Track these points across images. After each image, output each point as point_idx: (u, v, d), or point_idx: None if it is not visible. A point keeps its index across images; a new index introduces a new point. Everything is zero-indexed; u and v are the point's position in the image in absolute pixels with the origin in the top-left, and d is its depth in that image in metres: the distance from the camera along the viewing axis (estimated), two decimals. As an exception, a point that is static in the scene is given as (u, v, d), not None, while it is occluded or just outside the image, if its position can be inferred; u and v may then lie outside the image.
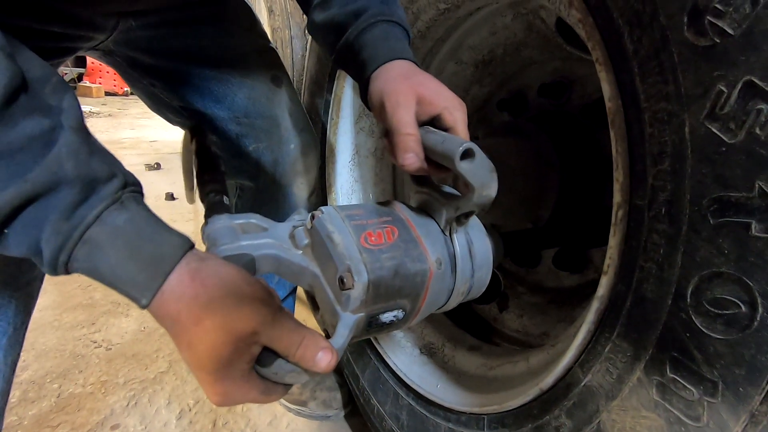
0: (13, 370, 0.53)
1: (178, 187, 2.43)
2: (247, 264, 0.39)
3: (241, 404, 0.35)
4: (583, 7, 0.44)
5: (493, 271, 0.94)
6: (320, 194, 1.07)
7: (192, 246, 0.36)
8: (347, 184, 1.07)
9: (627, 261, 0.41)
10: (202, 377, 0.34)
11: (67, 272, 0.33)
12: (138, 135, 4.05)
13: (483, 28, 0.91)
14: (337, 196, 1.06)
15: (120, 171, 0.35)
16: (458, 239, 0.46)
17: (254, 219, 0.43)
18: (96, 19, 0.58)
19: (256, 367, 0.36)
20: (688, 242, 0.35)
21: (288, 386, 0.38)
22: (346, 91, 0.97)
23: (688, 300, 0.36)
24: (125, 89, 6.72)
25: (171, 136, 4.15)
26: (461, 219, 0.45)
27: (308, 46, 1.12)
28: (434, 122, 0.47)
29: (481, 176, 0.41)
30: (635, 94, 0.39)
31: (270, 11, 1.42)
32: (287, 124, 0.80)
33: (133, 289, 0.33)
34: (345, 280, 0.38)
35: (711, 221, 0.34)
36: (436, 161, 0.44)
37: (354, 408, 1.02)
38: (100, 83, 6.33)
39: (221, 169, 0.52)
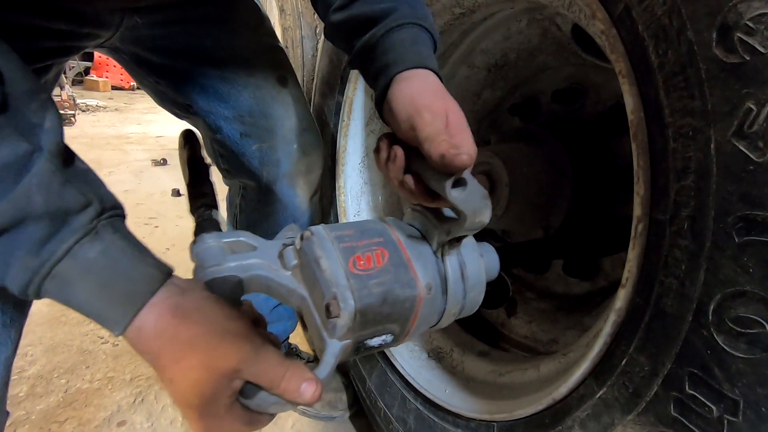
0: (7, 368, 0.51)
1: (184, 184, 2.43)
2: (235, 286, 0.38)
3: None
4: (607, 19, 0.43)
5: (501, 276, 0.94)
6: (329, 196, 1.07)
7: (170, 275, 0.35)
8: (357, 187, 1.07)
9: (646, 275, 0.41)
10: (186, 412, 0.35)
11: (39, 298, 0.33)
12: (144, 130, 4.06)
13: (496, 32, 0.90)
14: (347, 199, 1.06)
15: (96, 197, 0.33)
16: (450, 262, 0.45)
17: (243, 237, 0.42)
18: (101, 16, 0.58)
19: (240, 398, 0.36)
20: (712, 259, 0.35)
21: (273, 415, 0.38)
22: (357, 93, 0.97)
23: (710, 317, 0.35)
24: (131, 84, 6.73)
25: (177, 131, 4.15)
26: (453, 242, 0.45)
27: (319, 47, 1.12)
28: None
29: (473, 204, 0.40)
30: (659, 108, 0.39)
31: (281, 10, 1.42)
32: (291, 124, 0.79)
33: (105, 323, 0.33)
34: (331, 308, 0.37)
35: (736, 239, 0.34)
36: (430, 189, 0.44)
37: (359, 409, 1.02)
38: (107, 77, 6.34)
39: (211, 180, 0.51)
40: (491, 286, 0.70)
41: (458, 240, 0.45)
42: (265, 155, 0.79)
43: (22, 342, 1.22)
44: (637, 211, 0.42)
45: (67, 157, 0.34)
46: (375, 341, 0.41)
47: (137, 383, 1.09)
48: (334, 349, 0.38)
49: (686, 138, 0.37)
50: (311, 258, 0.39)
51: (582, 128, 0.83)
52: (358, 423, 1.03)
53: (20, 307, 0.52)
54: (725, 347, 0.34)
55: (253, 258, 0.40)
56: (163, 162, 2.98)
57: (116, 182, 2.50)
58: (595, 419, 0.46)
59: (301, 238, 0.41)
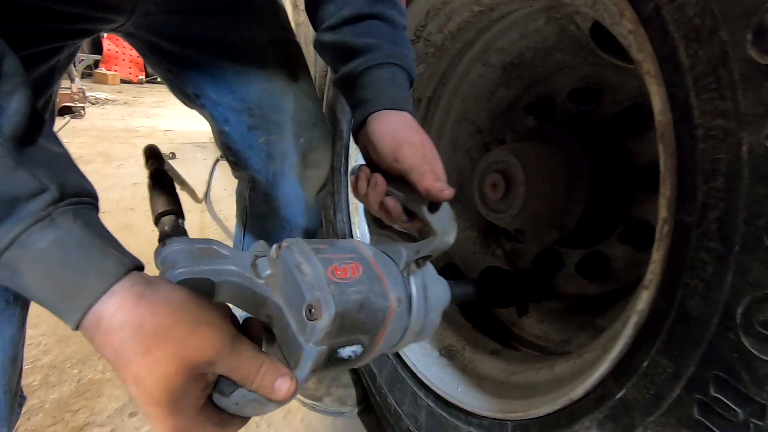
0: (14, 345, 0.52)
1: (193, 177, 2.44)
2: (207, 290, 0.37)
3: None
4: (636, 18, 0.43)
5: (513, 275, 0.93)
6: (341, 192, 1.07)
7: (135, 269, 0.32)
8: (369, 183, 1.07)
9: (670, 277, 0.41)
10: (152, 412, 0.31)
11: None
12: (153, 124, 4.08)
13: (513, 31, 0.90)
14: (359, 195, 1.06)
15: (55, 183, 0.31)
16: (415, 281, 0.47)
17: (214, 245, 0.41)
18: (115, 1, 0.58)
19: (216, 396, 0.34)
20: (740, 262, 0.35)
21: (245, 419, 0.37)
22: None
23: (738, 320, 0.35)
24: (140, 77, 6.76)
25: (185, 126, 4.17)
26: (420, 262, 0.48)
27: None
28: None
29: (444, 225, 0.45)
30: (688, 110, 0.39)
31: (294, 6, 1.42)
32: (299, 119, 0.79)
33: (60, 316, 0.31)
34: (313, 310, 0.37)
35: (767, 242, 0.33)
36: (406, 210, 0.50)
37: (368, 406, 1.02)
38: (115, 70, 6.37)
39: (175, 190, 0.51)
40: (503, 283, 0.70)
41: (423, 260, 0.48)
42: (272, 148, 0.79)
43: (36, 332, 1.25)
44: (663, 212, 0.42)
45: (29, 140, 0.32)
46: (346, 351, 0.42)
47: (148, 375, 1.10)
48: (311, 353, 0.38)
49: (716, 140, 0.37)
50: (291, 264, 0.40)
51: (598, 128, 0.82)
52: (367, 419, 1.04)
53: None
54: (753, 350, 0.34)
55: (227, 264, 0.39)
56: (172, 156, 2.99)
57: (126, 175, 2.52)
58: (614, 420, 0.46)
59: (279, 247, 0.43)
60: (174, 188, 0.51)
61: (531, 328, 0.91)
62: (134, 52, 6.97)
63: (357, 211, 1.07)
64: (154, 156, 0.55)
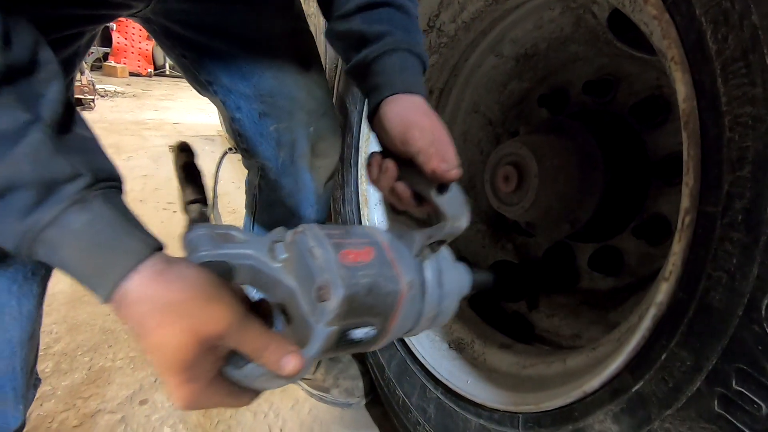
0: (31, 321, 0.54)
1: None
2: (225, 272, 0.39)
3: (206, 409, 0.36)
4: (660, 4, 0.42)
5: (518, 269, 0.93)
6: (351, 183, 1.07)
7: (158, 249, 0.35)
8: (379, 175, 1.06)
9: (692, 268, 0.40)
10: (168, 379, 0.34)
11: (34, 258, 0.34)
12: (161, 117, 4.09)
13: (528, 21, 0.89)
14: (369, 187, 1.05)
15: (88, 168, 0.33)
16: (429, 267, 0.48)
17: (234, 231, 0.44)
18: None
19: (228, 369, 0.36)
20: (767, 253, 0.34)
21: (256, 393, 0.39)
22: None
23: (763, 312, 0.34)
24: (149, 70, 6.79)
25: (193, 118, 4.18)
26: (434, 246, 0.48)
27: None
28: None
29: (455, 208, 0.44)
30: (715, 97, 0.38)
31: (304, -3, 1.41)
32: (310, 107, 0.79)
33: (92, 289, 0.33)
34: (322, 292, 0.39)
35: (796, 233, 0.33)
36: (416, 194, 0.50)
37: (375, 397, 1.03)
38: (125, 63, 6.40)
39: (202, 181, 0.53)
40: (510, 278, 0.70)
41: (438, 245, 0.48)
42: (281, 136, 0.80)
43: (47, 320, 1.26)
44: (685, 203, 0.41)
45: (66, 127, 0.34)
46: (357, 333, 0.43)
47: (158, 364, 1.11)
48: (321, 333, 0.39)
49: (744, 127, 0.36)
50: (304, 248, 0.41)
51: (614, 121, 0.81)
52: (374, 411, 1.04)
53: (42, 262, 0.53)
54: (779, 343, 0.33)
55: (245, 248, 0.41)
56: (180, 148, 3.00)
57: (135, 167, 2.53)
58: (630, 413, 0.45)
59: (294, 233, 0.44)
60: (201, 179, 0.53)
61: (540, 322, 0.91)
62: (143, 45, 6.97)
63: (366, 203, 1.06)
64: (185, 150, 0.57)
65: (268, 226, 0.93)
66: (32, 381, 0.57)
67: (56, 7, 0.48)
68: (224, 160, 2.48)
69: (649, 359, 0.44)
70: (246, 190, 0.96)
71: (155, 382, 1.05)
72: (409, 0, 0.59)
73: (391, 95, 0.52)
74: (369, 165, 0.53)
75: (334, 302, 0.38)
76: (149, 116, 4.05)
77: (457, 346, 0.84)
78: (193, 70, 0.76)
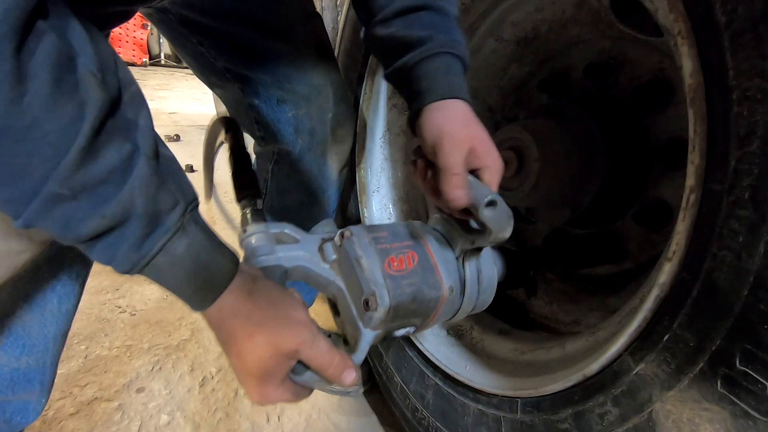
0: (69, 319, 0.58)
1: (198, 160, 2.43)
2: (281, 275, 0.44)
3: (276, 404, 0.44)
4: (667, -24, 0.41)
5: (520, 256, 0.92)
6: (349, 170, 1.05)
7: (238, 262, 0.40)
8: (377, 162, 1.05)
9: (696, 248, 0.39)
10: (247, 380, 0.40)
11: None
12: (157, 106, 4.05)
13: (528, 3, 0.87)
14: (367, 174, 1.04)
15: (182, 194, 0.36)
16: (469, 267, 0.51)
17: (287, 229, 0.47)
18: None
19: (290, 375, 0.42)
20: (775, 230, 0.33)
21: (312, 390, 0.45)
22: (381, 65, 0.94)
23: (770, 291, 0.34)
24: (144, 59, 6.70)
25: (190, 108, 4.14)
26: (475, 252, 0.51)
27: (341, 18, 1.09)
28: (472, 173, 0.51)
29: (500, 222, 0.46)
30: (723, 70, 0.37)
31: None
32: (327, 93, 0.78)
33: (190, 304, 0.38)
34: (369, 303, 0.43)
35: (805, 208, 0.32)
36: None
37: (373, 385, 1.02)
38: (119, 53, 6.31)
39: (253, 169, 0.55)
40: (512, 266, 0.70)
41: (478, 249, 0.51)
42: (300, 123, 0.78)
43: (43, 308, 1.23)
44: (690, 181, 0.40)
45: (158, 153, 0.36)
46: (400, 332, 0.48)
47: (155, 352, 1.11)
48: (369, 338, 0.44)
49: (753, 101, 0.35)
50: (352, 257, 0.45)
51: (615, 105, 0.80)
52: (372, 398, 1.04)
53: (86, 263, 0.57)
54: (785, 322, 0.33)
55: (297, 250, 0.46)
56: (176, 138, 2.97)
57: (130, 157, 2.50)
58: (631, 396, 0.45)
59: (342, 236, 0.46)
60: (251, 165, 0.55)
61: (540, 309, 0.90)
62: (138, 34, 6.85)
63: (364, 190, 1.05)
64: (232, 129, 0.57)
65: (278, 212, 0.93)
66: (56, 375, 0.59)
67: (97, 6, 0.47)
68: (221, 150, 2.47)
69: (651, 341, 0.43)
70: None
71: (152, 370, 1.05)
72: (446, 1, 0.58)
73: (433, 102, 0.52)
74: (414, 162, 0.55)
75: (380, 313, 0.43)
76: (145, 106, 4.00)
77: (456, 333, 0.84)
78: (210, 57, 0.75)
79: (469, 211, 0.48)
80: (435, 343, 0.82)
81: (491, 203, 0.45)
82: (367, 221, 1.03)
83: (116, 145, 0.32)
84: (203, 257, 0.37)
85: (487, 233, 0.46)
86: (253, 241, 0.45)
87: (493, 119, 1.06)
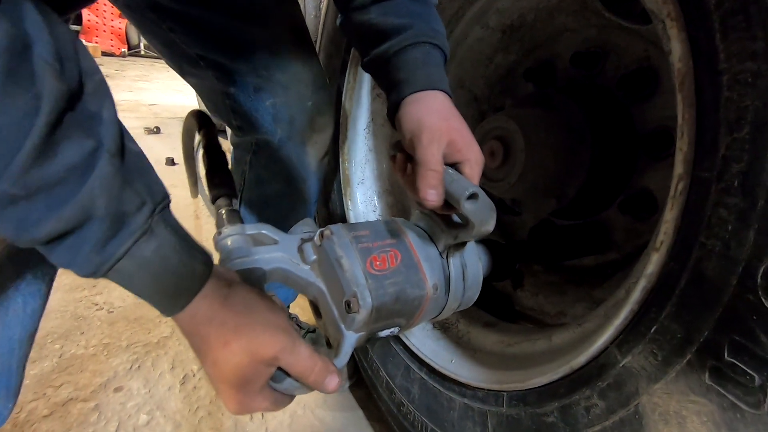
0: (35, 321, 0.54)
1: (178, 152, 2.37)
2: (259, 277, 0.42)
3: (254, 413, 0.41)
4: (656, -45, 0.39)
5: (506, 248, 0.91)
6: (332, 162, 1.03)
7: (211, 265, 0.38)
8: (361, 154, 1.03)
9: (684, 237, 0.39)
10: (224, 389, 0.38)
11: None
12: (137, 98, 3.94)
13: (515, -10, 0.85)
14: (350, 166, 1.02)
15: (149, 193, 0.34)
16: (454, 263, 0.49)
17: (265, 230, 0.45)
18: None
19: (270, 383, 0.40)
20: (765, 217, 0.33)
21: (293, 397, 0.43)
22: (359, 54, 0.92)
23: (759, 281, 0.33)
24: (122, 50, 6.51)
25: (170, 100, 4.04)
26: (459, 246, 0.49)
27: (324, 4, 1.06)
28: (453, 167, 0.50)
29: (483, 215, 0.44)
30: (712, 54, 0.35)
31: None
32: (307, 80, 0.76)
33: (160, 309, 0.36)
34: (351, 304, 0.41)
35: (796, 195, 0.31)
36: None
37: (359, 379, 1.01)
38: (96, 43, 6.12)
39: (229, 168, 0.53)
40: (497, 258, 0.69)
41: (463, 244, 0.49)
42: (278, 112, 0.76)
43: (14, 307, 1.18)
44: (679, 169, 0.39)
45: (123, 148, 0.33)
46: (384, 332, 0.46)
47: (134, 350, 1.07)
48: (351, 340, 0.43)
49: (744, 85, 0.34)
50: (332, 257, 0.43)
51: (601, 94, 0.79)
52: (358, 393, 1.03)
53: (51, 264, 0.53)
54: (774, 312, 0.32)
55: (276, 251, 0.43)
56: (156, 130, 2.90)
57: (108, 149, 2.43)
58: (617, 388, 0.44)
59: (321, 235, 0.45)
60: (227, 164, 0.52)
61: (526, 301, 0.90)
62: (116, 24, 6.67)
63: (349, 182, 1.03)
64: (206, 125, 0.54)
65: (258, 204, 0.90)
66: (23, 378, 0.56)
67: None
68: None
69: (638, 333, 0.42)
70: (232, 165, 0.92)
71: (130, 368, 1.02)
72: None
73: (412, 93, 0.51)
74: (393, 157, 0.53)
75: (363, 314, 0.41)
76: (124, 97, 3.89)
77: (441, 326, 0.83)
78: (182, 45, 0.71)
79: (450, 206, 0.47)
80: (421, 337, 0.81)
81: (472, 196, 0.44)
82: (351, 214, 1.01)
83: (76, 141, 0.29)
84: (173, 261, 0.35)
85: (470, 227, 0.45)
86: (229, 243, 0.43)
87: (478, 109, 1.05)
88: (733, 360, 0.35)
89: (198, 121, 0.56)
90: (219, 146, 0.54)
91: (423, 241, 0.49)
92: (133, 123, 2.99)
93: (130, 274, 0.34)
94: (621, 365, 0.44)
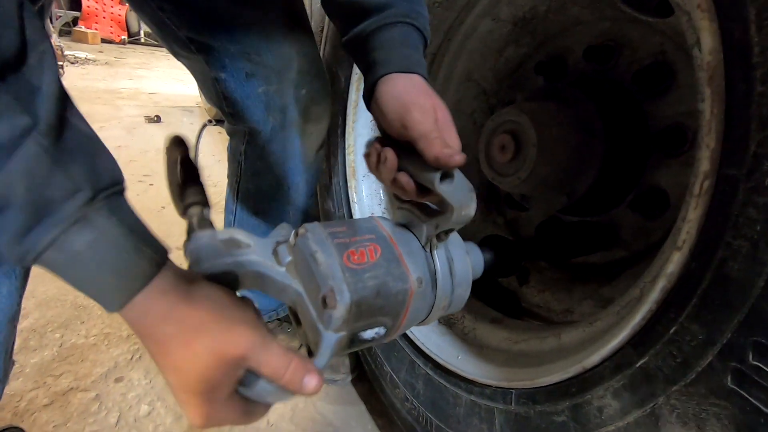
0: (12, 305, 0.50)
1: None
2: (232, 281, 0.39)
3: (223, 425, 0.36)
4: (688, -57, 0.38)
5: (513, 244, 0.90)
6: (338, 155, 1.01)
7: (164, 264, 0.33)
8: (367, 145, 1.01)
9: (708, 237, 0.38)
10: (186, 399, 0.34)
11: None
12: (137, 86, 3.90)
13: (528, -20, 0.83)
14: (357, 158, 1.01)
15: (88, 179, 0.30)
16: (439, 256, 0.47)
17: (237, 235, 0.42)
18: None
19: (239, 388, 0.36)
20: (797, 218, 0.31)
21: (268, 407, 0.39)
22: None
23: (788, 282, 0.32)
24: (122, 37, 6.44)
25: (170, 89, 4.00)
26: (441, 236, 0.46)
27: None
28: None
29: (460, 197, 0.42)
30: (746, 47, 0.34)
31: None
32: (301, 67, 0.73)
33: (101, 305, 0.32)
34: (327, 300, 0.38)
35: (833, 195, 0.30)
36: (419, 183, 0.46)
37: (361, 373, 1.01)
38: (96, 29, 6.04)
39: (202, 180, 0.50)
40: (503, 253, 0.67)
41: (446, 234, 0.46)
42: (271, 99, 0.73)
43: (14, 295, 1.17)
44: (704, 166, 0.38)
45: (63, 122, 0.30)
46: (368, 334, 0.43)
47: (134, 340, 1.06)
48: (330, 341, 0.39)
49: (779, 80, 0.32)
50: (307, 253, 0.40)
51: (614, 89, 0.77)
52: (360, 387, 1.02)
53: None
54: (805, 315, 0.31)
55: (249, 255, 0.40)
56: (157, 119, 2.87)
57: (108, 138, 2.40)
58: (632, 389, 0.43)
59: (296, 234, 0.42)
60: (200, 177, 0.49)
61: (532, 297, 0.89)
62: (116, 10, 6.58)
63: (354, 175, 1.02)
64: (180, 144, 0.52)
65: (254, 196, 0.88)
66: (10, 363, 0.54)
67: None
68: (204, 133, 2.39)
69: (656, 333, 0.41)
70: (228, 159, 0.90)
71: (131, 359, 1.01)
72: None
73: (389, 74, 0.48)
74: (367, 155, 0.49)
75: (340, 310, 0.38)
76: (123, 85, 3.85)
77: (447, 322, 0.82)
78: (172, 25, 0.68)
79: (427, 190, 0.45)
80: (426, 332, 0.80)
81: (446, 176, 0.41)
82: (356, 207, 1.00)
83: (8, 118, 0.27)
84: (112, 258, 0.31)
85: (449, 212, 0.42)
86: (198, 248, 0.40)
87: (487, 102, 1.03)
88: (758, 363, 0.34)
89: (172, 142, 0.54)
90: (192, 162, 0.52)
91: (404, 235, 0.46)
92: (133, 111, 2.96)
93: (58, 267, 0.30)
94: (637, 366, 0.43)
